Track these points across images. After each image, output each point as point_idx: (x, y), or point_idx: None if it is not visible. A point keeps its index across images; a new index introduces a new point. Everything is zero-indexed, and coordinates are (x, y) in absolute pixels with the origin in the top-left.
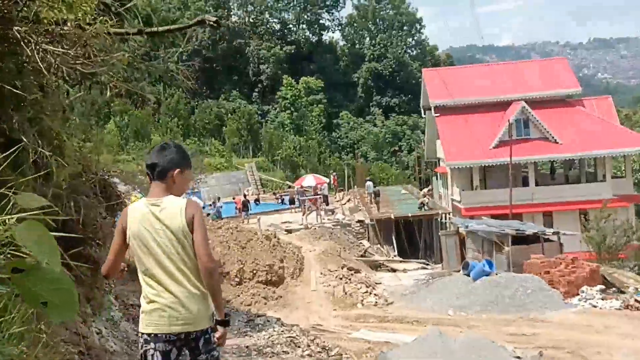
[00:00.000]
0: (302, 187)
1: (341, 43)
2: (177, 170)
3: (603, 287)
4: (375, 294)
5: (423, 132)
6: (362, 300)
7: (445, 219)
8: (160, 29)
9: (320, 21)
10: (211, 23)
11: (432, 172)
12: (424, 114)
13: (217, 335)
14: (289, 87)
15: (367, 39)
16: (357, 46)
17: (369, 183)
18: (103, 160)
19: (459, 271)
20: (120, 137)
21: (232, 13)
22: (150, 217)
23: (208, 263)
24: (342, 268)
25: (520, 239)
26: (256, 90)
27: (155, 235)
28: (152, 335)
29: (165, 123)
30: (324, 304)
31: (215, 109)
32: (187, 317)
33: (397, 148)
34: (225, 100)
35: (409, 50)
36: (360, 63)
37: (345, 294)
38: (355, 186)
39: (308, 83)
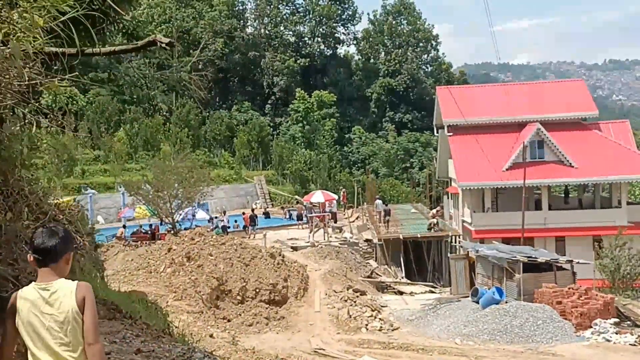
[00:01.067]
0: (310, 203)
1: (356, 57)
2: (70, 253)
3: (617, 320)
4: (380, 318)
5: (435, 150)
6: (367, 325)
7: (455, 242)
8: (103, 50)
9: (336, 35)
10: (163, 45)
11: (443, 191)
12: (437, 132)
13: None
14: (301, 100)
15: (382, 54)
16: (371, 61)
17: (379, 201)
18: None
19: (467, 297)
20: (129, 146)
21: (247, 24)
22: (40, 302)
23: (92, 346)
24: (348, 289)
25: (531, 266)
26: (269, 102)
27: (44, 320)
28: None
29: (175, 133)
30: (327, 326)
31: (227, 120)
32: None
33: (408, 165)
34: (237, 112)
35: (423, 67)
36: (374, 78)
37: (350, 317)
38: (365, 203)
39: (321, 96)
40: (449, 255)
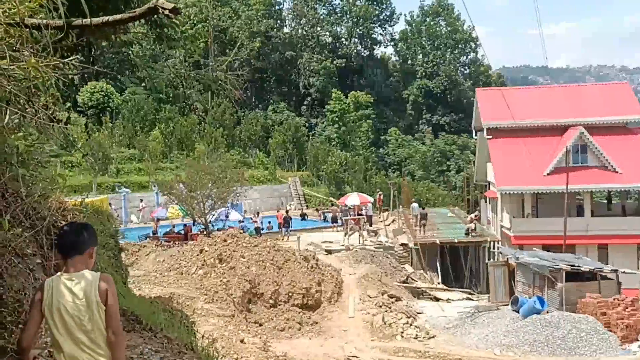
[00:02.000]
0: (345, 205)
1: (393, 58)
2: (94, 247)
3: None
4: (416, 326)
5: (473, 153)
6: (402, 332)
7: (494, 247)
8: (94, 21)
9: (373, 35)
10: (166, 12)
11: (480, 195)
12: (476, 134)
13: None
14: (337, 101)
15: (420, 55)
16: (409, 62)
17: (415, 205)
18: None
19: (506, 305)
20: (164, 145)
21: (284, 24)
22: (65, 291)
23: (112, 337)
24: (383, 295)
25: (574, 275)
26: (305, 103)
27: (68, 309)
28: None
29: (210, 132)
30: (361, 333)
31: (262, 120)
32: None
33: (444, 168)
34: (272, 112)
35: (461, 69)
36: (411, 79)
37: (385, 323)
38: (401, 206)
39: (357, 98)
40: (487, 261)
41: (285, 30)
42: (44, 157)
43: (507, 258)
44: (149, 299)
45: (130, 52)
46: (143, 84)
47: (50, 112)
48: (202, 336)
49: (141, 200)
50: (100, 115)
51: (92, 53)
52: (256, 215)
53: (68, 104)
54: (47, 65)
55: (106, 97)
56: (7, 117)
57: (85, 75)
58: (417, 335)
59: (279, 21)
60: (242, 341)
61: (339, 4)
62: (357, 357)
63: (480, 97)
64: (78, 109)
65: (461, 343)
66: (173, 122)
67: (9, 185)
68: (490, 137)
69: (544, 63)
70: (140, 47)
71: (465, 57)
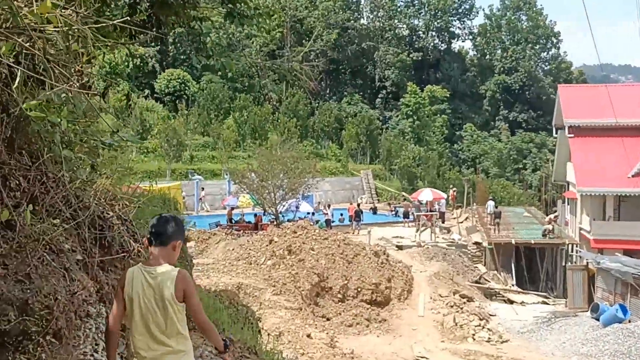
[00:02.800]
0: (418, 200)
1: (470, 53)
2: (179, 241)
3: None
4: (489, 328)
5: (551, 151)
6: (474, 334)
7: (573, 251)
8: None
9: (451, 29)
10: None
11: (558, 195)
12: (556, 133)
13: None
14: (413, 95)
15: (499, 50)
16: (487, 57)
17: (491, 202)
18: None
19: (585, 311)
20: (238, 134)
21: (361, 16)
22: (144, 282)
23: (204, 325)
24: (454, 294)
25: None
26: (379, 96)
27: (146, 301)
28: None
29: (283, 122)
30: (430, 333)
31: (336, 111)
32: None
33: (520, 166)
34: (346, 104)
35: (542, 65)
36: (489, 75)
37: (456, 324)
38: (474, 204)
39: (433, 92)
40: (566, 265)
41: (362, 21)
42: (110, 141)
43: (587, 262)
44: (215, 293)
45: (204, 36)
46: (219, 72)
47: (85, 80)
48: (268, 334)
49: (202, 189)
50: (177, 102)
51: (162, 30)
52: (327, 208)
53: (147, 91)
54: (82, 19)
55: (183, 85)
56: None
57: (164, 63)
58: (489, 338)
59: (355, 13)
60: (308, 336)
61: None
62: (426, 357)
63: (563, 93)
64: (155, 95)
65: (536, 349)
66: (247, 111)
67: (49, 169)
68: (572, 135)
69: (626, 62)
70: (217, 34)
71: (546, 53)
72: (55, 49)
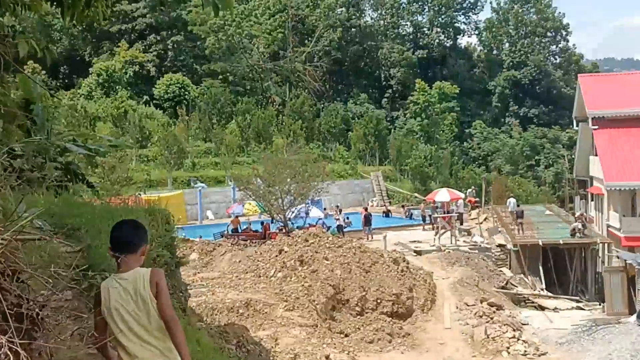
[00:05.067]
0: (434, 202)
1: (477, 48)
2: (147, 245)
3: None
4: (524, 340)
5: (564, 146)
6: (508, 348)
7: (608, 251)
8: None
9: (456, 24)
10: None
11: (575, 191)
12: (576, 125)
13: None
14: (421, 92)
15: (507, 44)
16: (494, 52)
17: (512, 200)
18: None
19: (627, 317)
20: (241, 138)
21: (364, 14)
22: (120, 290)
23: (170, 322)
24: (482, 302)
25: None
26: (386, 95)
27: (126, 307)
28: None
29: (288, 125)
30: (460, 347)
31: (342, 112)
32: None
33: (533, 162)
34: (353, 104)
35: (551, 58)
36: (497, 70)
37: (487, 337)
38: (491, 203)
39: (442, 88)
40: (603, 267)
41: (366, 19)
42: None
43: (626, 263)
44: (219, 330)
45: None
46: (220, 76)
47: None
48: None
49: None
50: (177, 107)
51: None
52: (338, 213)
53: (145, 97)
54: None
55: (182, 90)
56: None
57: (162, 68)
58: (525, 351)
59: (358, 11)
60: (327, 357)
61: None
62: None
63: (584, 83)
64: (154, 101)
65: None
66: (250, 114)
67: None
68: (596, 127)
69: (629, 56)
70: (216, 37)
71: (555, 46)
72: None
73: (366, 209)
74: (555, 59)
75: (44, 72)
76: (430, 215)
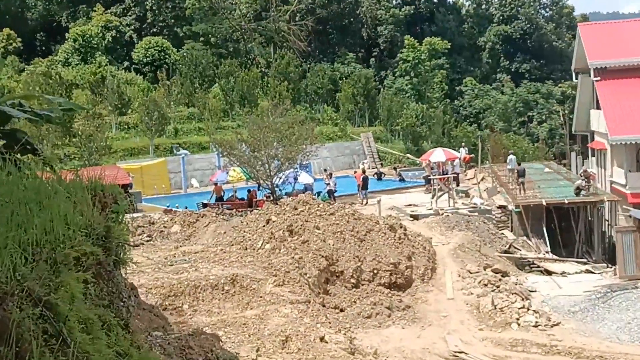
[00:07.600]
0: (429, 162)
1: (466, 3)
2: None
3: None
4: (534, 311)
5: (558, 102)
6: (518, 319)
7: (614, 209)
8: None
9: None
10: None
11: (570, 147)
12: (576, 78)
13: None
14: (411, 49)
15: None
16: (484, 6)
17: (512, 157)
18: None
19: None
20: (225, 102)
21: None
22: None
23: None
24: (485, 269)
25: None
26: (373, 54)
27: None
28: None
29: (274, 87)
30: (465, 319)
31: (329, 72)
32: None
33: (526, 119)
34: (340, 64)
35: (542, 11)
36: (487, 25)
37: (495, 307)
38: (487, 162)
39: (433, 44)
40: (614, 227)
41: None
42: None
43: (639, 221)
44: (180, 344)
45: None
46: (201, 39)
47: None
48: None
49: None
50: (157, 72)
51: None
52: (329, 177)
53: (125, 63)
54: None
55: (162, 53)
56: None
57: (142, 32)
58: (536, 322)
59: None
60: (322, 339)
61: None
62: (465, 352)
63: (584, 33)
64: (134, 66)
65: (595, 333)
66: (234, 77)
67: None
68: (598, 78)
69: (615, 9)
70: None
71: None
72: None
73: (364, 171)
74: (547, 12)
75: (19, 39)
76: (425, 177)
